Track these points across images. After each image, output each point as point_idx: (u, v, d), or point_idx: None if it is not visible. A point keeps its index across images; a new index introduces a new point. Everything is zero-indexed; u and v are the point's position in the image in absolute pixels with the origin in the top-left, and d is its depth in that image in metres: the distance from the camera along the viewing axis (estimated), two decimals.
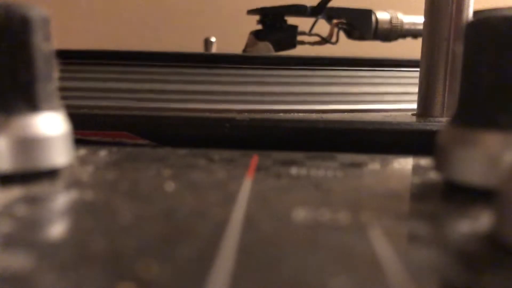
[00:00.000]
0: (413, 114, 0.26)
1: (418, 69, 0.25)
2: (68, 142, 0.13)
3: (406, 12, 0.39)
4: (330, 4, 0.36)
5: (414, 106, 0.26)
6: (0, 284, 0.07)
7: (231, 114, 0.23)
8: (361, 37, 0.38)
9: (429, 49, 0.24)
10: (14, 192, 0.11)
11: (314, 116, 0.23)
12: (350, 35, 0.38)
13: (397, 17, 0.38)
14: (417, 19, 0.38)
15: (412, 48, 0.35)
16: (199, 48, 0.50)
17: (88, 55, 0.27)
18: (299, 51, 0.36)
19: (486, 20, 0.11)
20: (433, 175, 0.13)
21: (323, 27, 0.38)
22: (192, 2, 0.63)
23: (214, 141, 0.21)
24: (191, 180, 0.12)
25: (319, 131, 0.21)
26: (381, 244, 0.08)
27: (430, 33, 0.24)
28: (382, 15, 0.37)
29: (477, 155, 0.11)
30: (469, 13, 0.24)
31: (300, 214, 0.10)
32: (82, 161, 0.14)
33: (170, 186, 0.12)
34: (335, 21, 0.37)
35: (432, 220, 0.10)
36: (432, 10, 0.24)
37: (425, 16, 0.25)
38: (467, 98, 0.12)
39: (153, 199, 0.11)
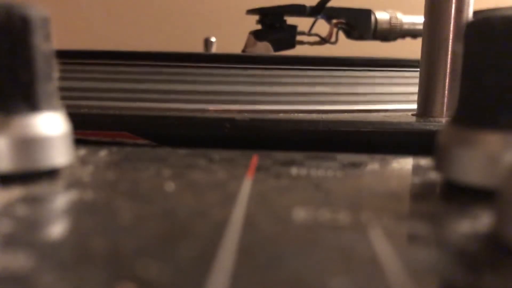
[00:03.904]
0: (413, 114, 0.26)
1: (418, 69, 0.25)
2: (68, 142, 0.13)
3: (405, 12, 0.39)
4: (329, 4, 0.36)
5: (414, 106, 0.26)
6: (0, 284, 0.07)
7: (231, 114, 0.23)
8: (361, 37, 0.38)
9: (429, 49, 0.24)
10: (14, 192, 0.11)
11: (314, 116, 0.23)
12: (349, 35, 0.38)
13: (396, 17, 0.38)
14: (416, 19, 0.38)
15: (411, 48, 0.35)
16: (199, 48, 0.50)
17: (88, 55, 0.27)
18: (299, 51, 0.36)
19: (486, 20, 0.11)
20: (433, 175, 0.13)
21: (322, 27, 0.38)
22: (192, 2, 0.63)
23: (214, 141, 0.21)
24: (191, 180, 0.12)
25: (319, 131, 0.21)
26: (381, 244, 0.08)
27: (430, 33, 0.24)
28: (381, 15, 0.37)
29: (477, 155, 0.11)
30: (469, 13, 0.24)
31: (300, 214, 0.10)
32: (82, 161, 0.14)
33: (170, 186, 0.12)
34: (334, 21, 0.37)
35: (432, 220, 0.10)
36: (432, 10, 0.24)
37: (425, 16, 0.25)
38: (467, 98, 0.12)
39: (153, 199, 0.11)
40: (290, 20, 0.37)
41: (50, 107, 0.12)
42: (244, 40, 0.37)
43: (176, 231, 0.09)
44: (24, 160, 0.12)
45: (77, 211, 0.10)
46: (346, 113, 0.27)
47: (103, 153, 0.15)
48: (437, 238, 0.09)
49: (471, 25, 0.12)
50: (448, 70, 0.24)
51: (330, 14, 0.37)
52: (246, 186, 0.12)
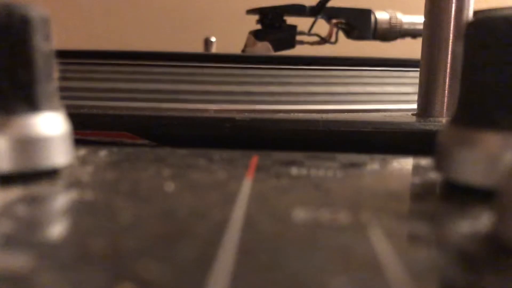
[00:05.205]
0: (413, 114, 0.26)
1: (418, 69, 0.25)
2: (68, 142, 0.13)
3: (405, 12, 0.39)
4: (329, 4, 0.36)
5: (414, 106, 0.26)
6: (0, 284, 0.07)
7: (231, 114, 0.23)
8: (360, 37, 0.38)
9: (429, 49, 0.24)
10: (14, 192, 0.11)
11: (314, 116, 0.23)
12: (349, 35, 0.38)
13: (396, 17, 0.38)
14: (416, 19, 0.38)
15: (411, 48, 0.35)
16: (199, 48, 0.50)
17: (88, 55, 0.27)
18: (299, 51, 0.36)
19: (486, 20, 0.11)
20: (433, 175, 0.13)
21: (322, 27, 0.38)
22: (192, 2, 0.63)
23: (214, 141, 0.21)
24: (191, 180, 0.12)
25: (319, 131, 0.21)
26: (381, 244, 0.08)
27: (430, 33, 0.24)
28: (381, 15, 0.37)
29: (477, 155, 0.11)
30: (469, 13, 0.24)
31: (300, 214, 0.10)
32: (82, 161, 0.14)
33: (170, 186, 0.12)
34: (334, 21, 0.37)
35: (432, 220, 0.10)
36: (433, 10, 0.24)
37: (425, 16, 0.25)
38: (467, 98, 0.12)
39: (153, 199, 0.11)
40: (290, 20, 0.37)
41: (50, 107, 0.12)
42: (244, 40, 0.37)
43: (176, 231, 0.09)
44: (24, 160, 0.12)
45: (77, 211, 0.10)
46: (346, 113, 0.27)
47: (103, 153, 0.15)
48: (437, 238, 0.09)
49: (471, 25, 0.12)
50: (448, 70, 0.24)
51: (330, 14, 0.37)
52: (246, 186, 0.12)
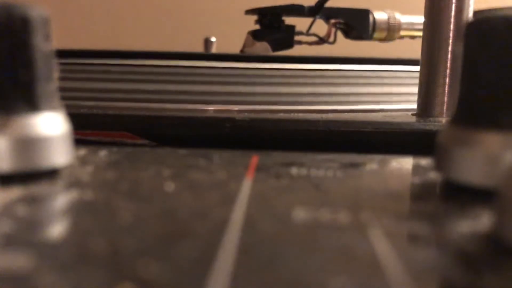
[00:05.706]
0: (413, 114, 0.26)
1: (418, 68, 0.25)
2: (68, 142, 0.13)
3: (403, 12, 0.39)
4: (327, 4, 0.36)
5: (414, 106, 0.26)
6: (0, 284, 0.07)
7: (231, 114, 0.23)
8: (359, 37, 0.38)
9: (429, 49, 0.24)
10: (14, 192, 0.11)
11: (314, 116, 0.23)
12: (347, 35, 0.38)
13: (394, 17, 0.38)
14: (414, 19, 0.38)
15: (411, 48, 0.35)
16: (199, 48, 0.50)
17: (88, 55, 0.27)
18: (298, 51, 0.36)
19: (486, 20, 0.11)
20: (433, 175, 0.13)
21: (320, 27, 0.38)
22: (192, 2, 0.63)
23: (214, 141, 0.21)
24: (191, 180, 0.12)
25: (319, 131, 0.21)
26: (381, 244, 0.08)
27: (430, 33, 0.24)
28: (379, 15, 0.37)
29: (477, 155, 0.11)
30: (469, 13, 0.24)
31: (300, 214, 0.10)
32: (82, 161, 0.14)
33: (170, 186, 0.12)
34: (332, 21, 0.37)
35: (432, 220, 0.10)
36: (433, 10, 0.24)
37: (425, 16, 0.25)
38: (467, 98, 0.12)
39: (153, 199, 0.11)
40: (289, 20, 0.37)
41: (50, 107, 0.12)
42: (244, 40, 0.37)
43: (176, 231, 0.09)
44: (24, 160, 0.12)
45: (77, 211, 0.10)
46: (346, 113, 0.27)
47: (103, 153, 0.15)
48: (437, 238, 0.09)
49: (471, 25, 0.12)
50: (448, 70, 0.24)
51: (328, 14, 0.37)
52: (246, 186, 0.12)
